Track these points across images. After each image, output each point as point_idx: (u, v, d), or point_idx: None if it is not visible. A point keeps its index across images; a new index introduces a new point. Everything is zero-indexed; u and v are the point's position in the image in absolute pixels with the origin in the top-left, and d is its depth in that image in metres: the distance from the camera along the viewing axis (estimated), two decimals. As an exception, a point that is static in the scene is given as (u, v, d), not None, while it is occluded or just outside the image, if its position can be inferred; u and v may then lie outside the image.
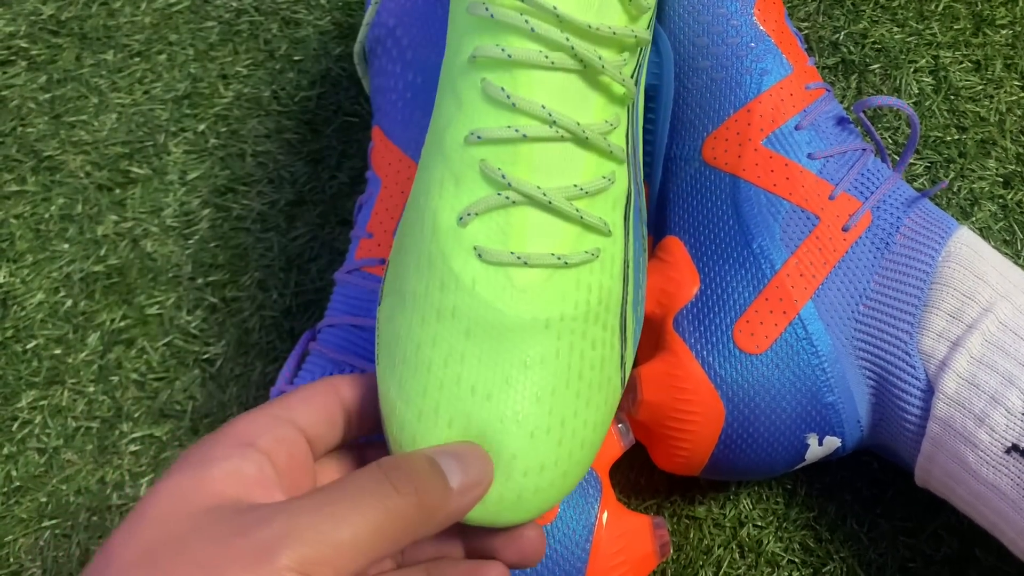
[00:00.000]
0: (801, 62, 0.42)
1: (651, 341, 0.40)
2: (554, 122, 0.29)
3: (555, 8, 0.29)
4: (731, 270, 0.39)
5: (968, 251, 0.38)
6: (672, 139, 0.42)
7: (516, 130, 0.29)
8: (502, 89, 0.29)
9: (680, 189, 0.41)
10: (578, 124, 0.30)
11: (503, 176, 0.29)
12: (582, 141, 0.30)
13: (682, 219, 0.41)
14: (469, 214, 0.30)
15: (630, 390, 0.39)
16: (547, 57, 0.29)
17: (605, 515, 0.38)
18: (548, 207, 0.30)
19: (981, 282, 0.37)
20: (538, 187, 0.30)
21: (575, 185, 0.30)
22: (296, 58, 0.55)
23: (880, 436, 0.39)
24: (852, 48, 0.53)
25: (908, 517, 0.43)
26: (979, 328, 0.36)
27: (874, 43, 0.53)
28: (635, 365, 0.40)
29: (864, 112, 0.51)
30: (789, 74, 0.41)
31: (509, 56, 0.29)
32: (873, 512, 0.44)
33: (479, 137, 0.30)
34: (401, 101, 0.42)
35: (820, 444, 0.39)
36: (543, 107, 0.29)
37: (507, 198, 0.29)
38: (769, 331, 0.38)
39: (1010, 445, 0.35)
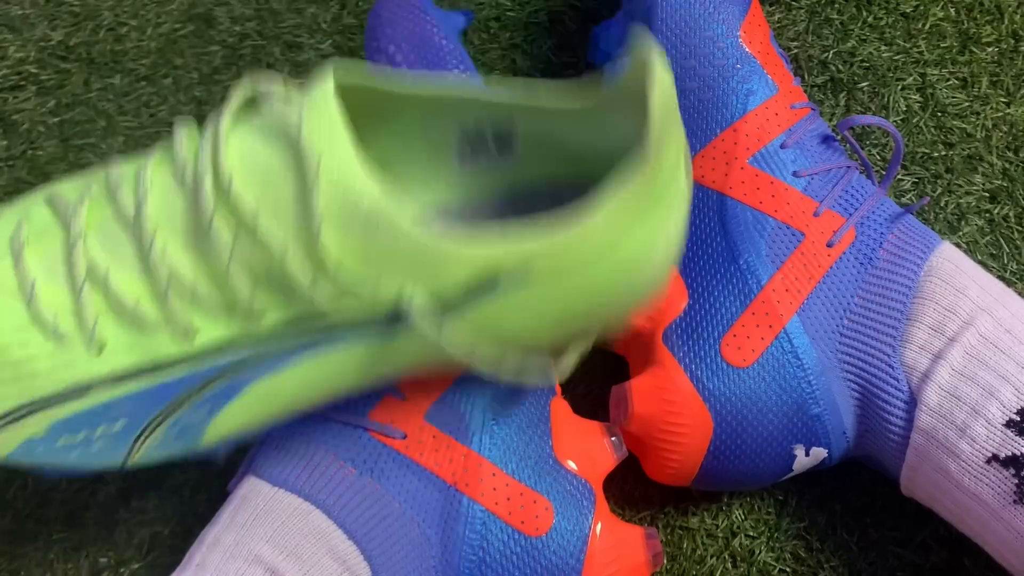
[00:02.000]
0: (786, 82, 0.43)
1: (641, 355, 0.41)
2: None
3: None
4: (719, 286, 0.40)
5: (950, 266, 0.39)
6: (661, 158, 0.43)
7: None
8: None
9: (669, 207, 0.42)
10: None
11: None
12: None
13: (671, 236, 0.42)
14: None
15: (622, 403, 0.40)
16: None
17: (599, 526, 0.38)
18: None
19: (962, 296, 0.38)
20: None
21: None
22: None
23: (866, 446, 0.40)
24: (841, 67, 0.54)
25: (898, 527, 0.44)
26: (960, 341, 0.37)
27: (862, 61, 0.54)
28: (627, 379, 0.41)
29: (852, 129, 0.52)
30: (774, 94, 0.42)
31: None
32: (863, 522, 0.44)
33: None
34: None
35: (807, 455, 0.39)
36: None
37: None
38: (756, 345, 0.39)
39: (991, 455, 0.35)
